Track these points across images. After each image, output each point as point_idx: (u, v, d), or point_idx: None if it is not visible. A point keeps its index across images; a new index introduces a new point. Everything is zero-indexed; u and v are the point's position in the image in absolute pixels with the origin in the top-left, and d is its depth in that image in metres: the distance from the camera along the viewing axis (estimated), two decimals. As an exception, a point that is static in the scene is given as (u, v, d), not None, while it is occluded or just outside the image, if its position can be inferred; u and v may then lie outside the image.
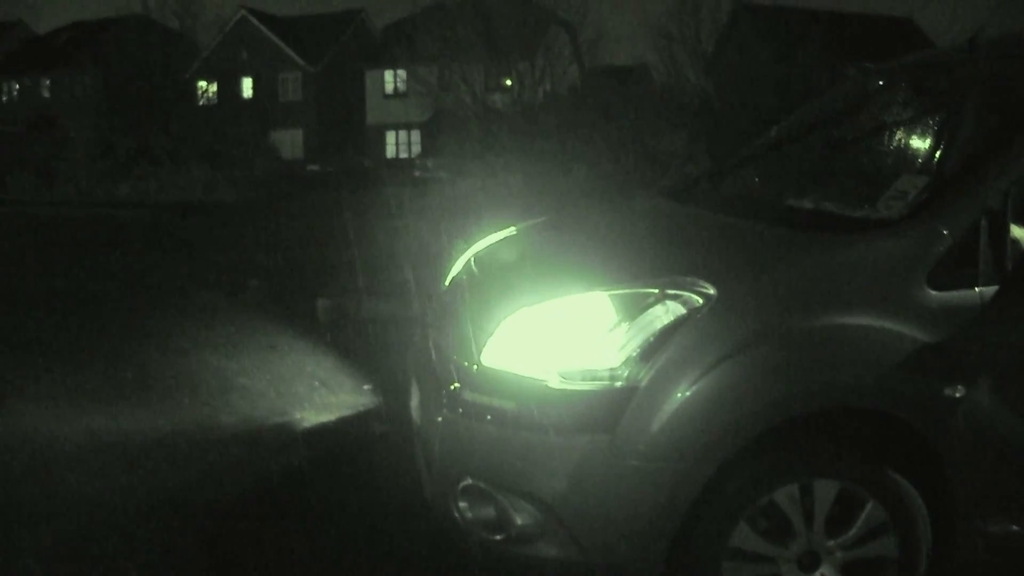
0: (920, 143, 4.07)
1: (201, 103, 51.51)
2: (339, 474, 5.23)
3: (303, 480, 5.18)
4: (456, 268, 4.65)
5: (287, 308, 9.84)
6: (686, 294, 3.21)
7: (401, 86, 52.91)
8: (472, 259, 4.51)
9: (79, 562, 4.28)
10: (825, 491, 3.21)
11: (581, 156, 30.20)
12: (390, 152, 55.82)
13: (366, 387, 6.80)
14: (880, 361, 3.13)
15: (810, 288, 3.21)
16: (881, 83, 4.77)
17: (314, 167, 48.14)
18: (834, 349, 3.15)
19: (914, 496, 3.25)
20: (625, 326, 3.22)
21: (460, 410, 3.41)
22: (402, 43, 44.40)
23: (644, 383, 3.12)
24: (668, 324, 3.18)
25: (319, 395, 6.66)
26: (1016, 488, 3.29)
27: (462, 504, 3.39)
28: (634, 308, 3.25)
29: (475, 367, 3.43)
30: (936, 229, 3.21)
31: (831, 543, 3.25)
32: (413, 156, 48.40)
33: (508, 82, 41.06)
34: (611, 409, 3.13)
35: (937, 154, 3.76)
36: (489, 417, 3.31)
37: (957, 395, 3.14)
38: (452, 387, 3.48)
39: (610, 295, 3.33)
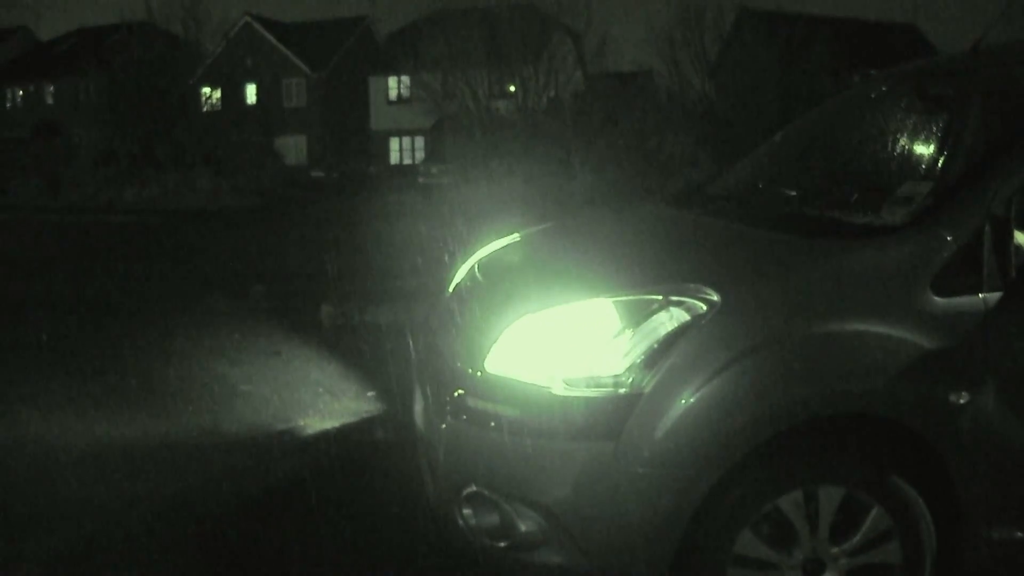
0: (924, 149, 4.07)
1: (205, 109, 51.48)
2: (343, 481, 5.23)
3: (307, 487, 5.17)
4: (460, 274, 4.65)
5: (291, 314, 9.86)
6: (690, 300, 3.20)
7: (405, 92, 52.99)
8: (476, 265, 4.50)
9: (82, 568, 4.29)
10: (830, 498, 3.20)
11: (585, 162, 30.24)
12: (394, 158, 55.82)
13: (370, 393, 6.80)
14: (884, 367, 3.13)
15: (814, 294, 3.21)
16: (885, 89, 4.77)
17: (318, 173, 48.13)
18: (838, 355, 3.14)
19: (919, 502, 3.24)
20: (629, 333, 3.22)
21: (464, 417, 3.40)
22: (406, 49, 44.43)
23: (648, 390, 3.12)
24: (672, 331, 3.17)
25: (323, 401, 6.67)
26: (1021, 494, 3.28)
27: (466, 511, 3.39)
28: (638, 315, 3.24)
29: (479, 374, 3.43)
30: (940, 235, 3.21)
31: (836, 550, 3.25)
32: (417, 162, 48.37)
33: (512, 88, 41.10)
34: (615, 416, 3.12)
35: (941, 160, 3.76)
36: (493, 424, 3.31)
37: (961, 401, 3.13)
38: (456, 394, 3.48)
39: (614, 302, 3.32)
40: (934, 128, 4.11)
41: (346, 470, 5.36)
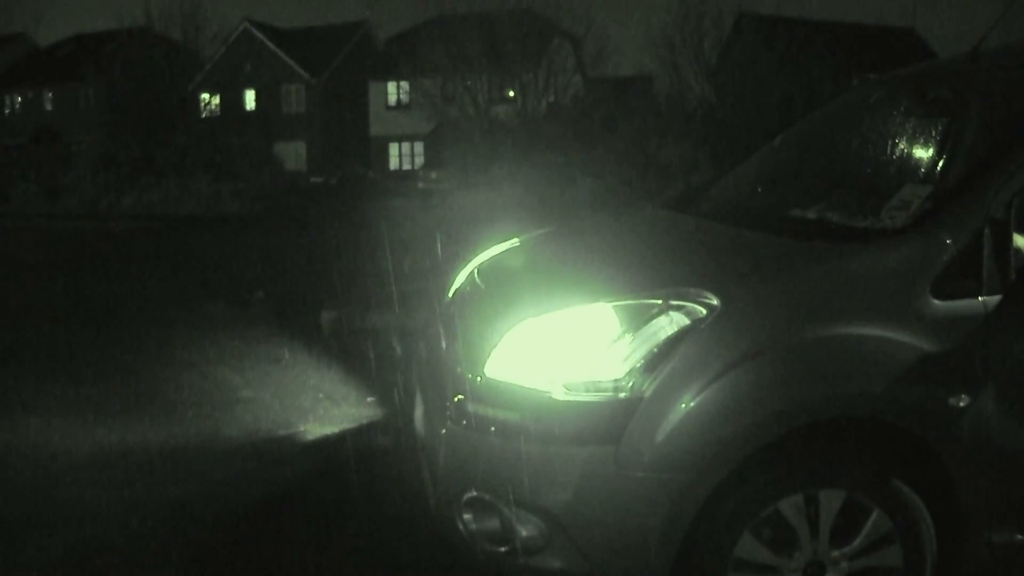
0: (923, 153, 4.07)
1: (204, 115, 51.42)
2: (343, 486, 5.22)
3: (307, 492, 5.18)
4: (460, 279, 4.65)
5: (291, 320, 9.86)
6: (690, 305, 3.21)
7: (404, 98, 53.04)
8: (476, 270, 4.51)
9: (83, 574, 4.29)
10: (830, 501, 3.20)
11: (584, 167, 30.27)
12: (393, 164, 55.87)
13: (370, 399, 6.80)
14: (884, 371, 3.13)
15: (814, 298, 3.21)
16: (884, 92, 4.77)
17: (317, 179, 48.17)
18: (838, 359, 3.15)
19: (919, 506, 3.25)
20: (629, 337, 3.22)
21: (464, 422, 3.41)
22: (405, 55, 44.49)
23: (648, 394, 3.12)
24: (672, 335, 3.17)
25: (323, 407, 6.67)
26: (1021, 497, 3.28)
27: (466, 516, 3.39)
28: (638, 319, 3.24)
29: (479, 379, 3.43)
30: (939, 239, 3.21)
31: (836, 553, 3.25)
32: (416, 168, 48.37)
33: (511, 94, 41.14)
34: (615, 420, 3.12)
35: (940, 163, 3.77)
36: (493, 429, 3.31)
37: (961, 404, 3.14)
38: (456, 399, 3.48)
39: (614, 306, 3.33)
40: (933, 131, 4.11)
41: (346, 475, 5.35)
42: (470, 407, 3.41)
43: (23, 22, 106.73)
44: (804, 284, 3.27)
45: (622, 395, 3.15)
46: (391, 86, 55.34)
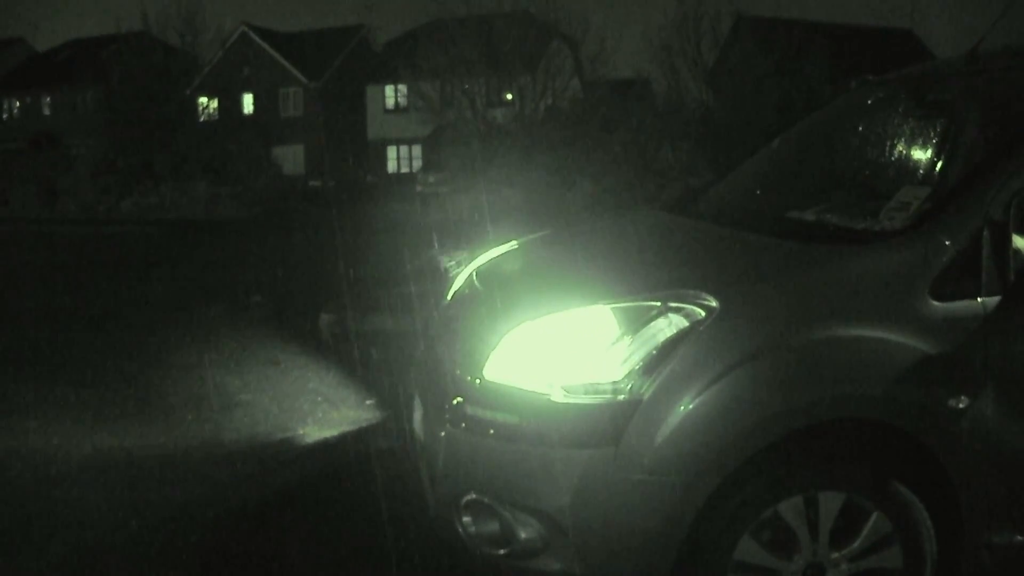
0: (921, 154, 4.07)
1: (202, 119, 51.48)
2: (342, 489, 5.22)
3: (306, 495, 5.18)
4: (458, 282, 4.65)
5: (290, 324, 9.86)
6: (689, 307, 3.20)
7: (402, 101, 52.98)
8: (474, 273, 4.50)
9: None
10: (830, 503, 3.20)
11: (583, 170, 30.24)
12: (391, 167, 55.83)
13: (369, 402, 6.80)
14: (883, 372, 3.13)
15: (813, 300, 3.21)
16: (882, 94, 4.77)
17: (316, 182, 48.15)
18: (837, 361, 3.14)
19: (919, 507, 3.24)
20: (628, 339, 3.22)
21: (463, 425, 3.40)
22: (403, 58, 44.45)
23: (647, 396, 3.11)
24: (671, 337, 3.17)
25: (322, 410, 6.66)
26: (1021, 499, 3.28)
27: (466, 519, 3.39)
28: (637, 321, 3.24)
29: (478, 381, 3.43)
30: (938, 240, 3.21)
31: (836, 555, 3.24)
32: (414, 171, 48.33)
33: (509, 97, 41.12)
34: (614, 423, 3.12)
35: (939, 165, 3.77)
36: (492, 431, 3.31)
37: (960, 406, 3.13)
38: (455, 402, 3.48)
39: (613, 308, 3.32)
40: (932, 133, 4.12)
41: (346, 479, 5.35)
42: (469, 410, 3.40)
43: (22, 27, 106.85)
44: (803, 286, 3.26)
45: (621, 397, 3.15)
46: (389, 89, 55.30)
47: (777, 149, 5.15)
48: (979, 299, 3.18)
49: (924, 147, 4.10)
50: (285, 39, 60.77)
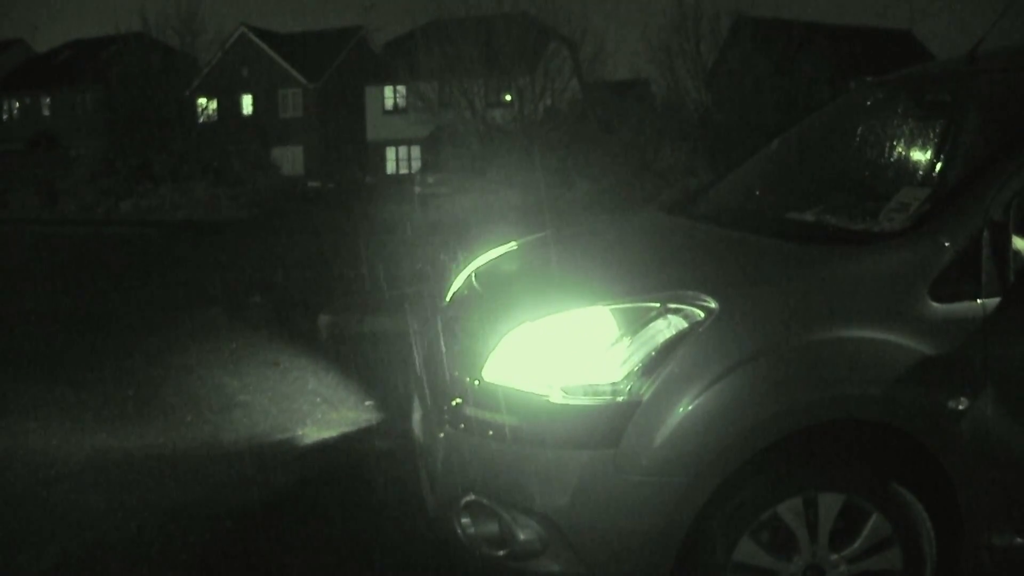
0: (921, 155, 4.07)
1: (202, 120, 51.36)
2: (341, 490, 5.22)
3: (306, 496, 5.17)
4: (457, 283, 4.65)
5: (289, 325, 9.86)
6: (688, 308, 3.20)
7: (401, 102, 52.91)
8: (473, 274, 4.50)
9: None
10: (829, 504, 3.20)
11: (582, 171, 30.22)
12: (390, 168, 55.81)
13: (368, 403, 6.80)
14: (883, 374, 3.12)
15: (812, 301, 3.21)
16: (881, 95, 4.77)
17: (315, 184, 48.14)
18: (837, 362, 3.14)
19: (919, 509, 3.24)
20: (627, 340, 3.21)
21: (462, 426, 3.40)
22: (402, 59, 44.39)
23: (647, 398, 3.11)
24: (670, 338, 3.17)
25: (321, 411, 6.66)
26: (1021, 500, 3.27)
27: (464, 520, 3.38)
28: (636, 322, 3.24)
29: (477, 382, 3.43)
30: (938, 241, 3.21)
31: (835, 556, 3.24)
32: (413, 172, 48.29)
33: (508, 98, 41.07)
34: (614, 424, 3.12)
35: (938, 166, 3.77)
36: (491, 433, 3.30)
37: (960, 407, 3.13)
38: (454, 403, 3.48)
39: (612, 309, 3.32)
40: (931, 134, 4.11)
41: (345, 480, 5.35)
42: (468, 411, 3.40)
43: (21, 28, 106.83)
44: (802, 287, 3.26)
45: (620, 399, 3.14)
46: (388, 90, 55.27)
47: (776, 150, 5.15)
48: (979, 300, 3.17)
49: (923, 148, 4.09)
50: (284, 40, 60.78)
